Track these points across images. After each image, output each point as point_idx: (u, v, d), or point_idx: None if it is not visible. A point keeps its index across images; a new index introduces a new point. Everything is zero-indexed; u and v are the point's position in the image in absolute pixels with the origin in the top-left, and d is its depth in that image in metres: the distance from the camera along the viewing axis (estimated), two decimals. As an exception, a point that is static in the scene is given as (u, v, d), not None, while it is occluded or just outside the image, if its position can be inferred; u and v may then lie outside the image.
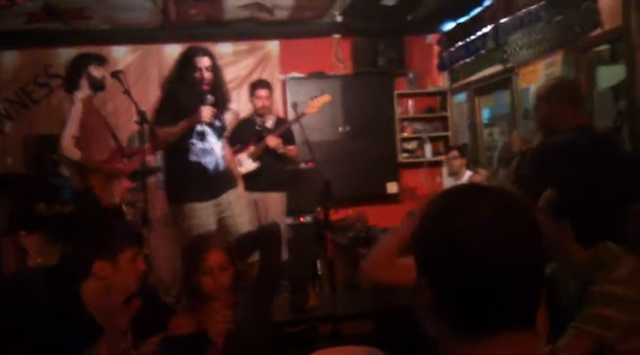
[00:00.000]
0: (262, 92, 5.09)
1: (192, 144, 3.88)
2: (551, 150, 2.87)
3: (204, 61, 3.85)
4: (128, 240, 2.13)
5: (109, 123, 4.51)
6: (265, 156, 4.90)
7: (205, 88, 3.85)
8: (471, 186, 1.09)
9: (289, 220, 5.35)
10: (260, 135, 4.97)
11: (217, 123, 4.00)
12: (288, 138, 5.04)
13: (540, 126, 3.17)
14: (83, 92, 4.19)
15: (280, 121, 5.19)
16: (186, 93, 3.81)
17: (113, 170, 4.18)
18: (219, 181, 3.95)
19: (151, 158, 4.97)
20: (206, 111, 3.78)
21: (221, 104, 3.98)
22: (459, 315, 0.93)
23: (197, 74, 3.83)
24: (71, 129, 4.03)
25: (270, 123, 5.14)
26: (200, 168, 3.88)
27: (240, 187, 4.44)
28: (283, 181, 5.06)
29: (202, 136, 3.91)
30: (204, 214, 3.79)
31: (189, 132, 3.86)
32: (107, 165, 4.16)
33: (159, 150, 3.99)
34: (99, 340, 2.03)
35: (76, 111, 4.10)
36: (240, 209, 4.00)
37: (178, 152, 3.88)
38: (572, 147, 2.79)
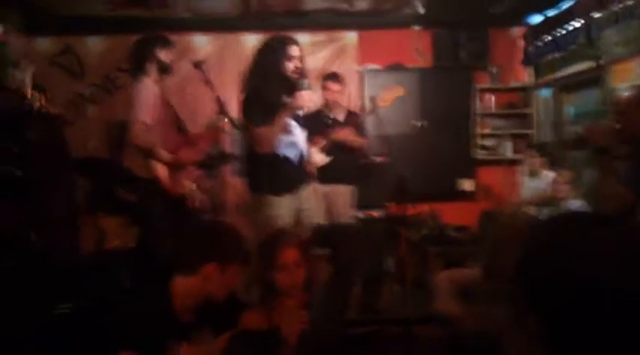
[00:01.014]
0: (334, 86, 4.97)
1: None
2: None
3: (296, 50, 3.64)
4: (242, 254, 2.16)
5: (178, 110, 4.30)
6: (336, 148, 4.82)
7: (297, 76, 3.60)
8: (586, 215, 1.01)
9: (360, 214, 5.28)
10: (330, 129, 4.89)
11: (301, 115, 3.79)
12: (359, 130, 4.92)
13: (625, 134, 2.95)
14: (151, 77, 3.98)
15: (351, 115, 5.08)
16: (280, 85, 3.59)
17: (178, 161, 3.99)
18: (301, 174, 3.77)
19: (226, 145, 5.00)
20: (307, 96, 3.54)
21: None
22: (569, 351, 0.89)
23: (290, 63, 3.60)
24: (142, 116, 3.83)
25: (341, 116, 5.05)
26: (286, 161, 3.66)
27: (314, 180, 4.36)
28: (353, 174, 4.97)
29: (288, 129, 3.71)
30: (282, 206, 3.61)
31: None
32: (173, 156, 3.97)
33: (259, 146, 3.60)
34: (175, 334, 2.04)
35: (144, 97, 3.87)
36: (315, 202, 3.90)
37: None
38: None
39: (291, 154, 3.69)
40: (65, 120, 5.67)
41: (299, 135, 3.75)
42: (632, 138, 2.88)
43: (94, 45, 5.99)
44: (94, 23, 5.79)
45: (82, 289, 3.39)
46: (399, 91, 4.77)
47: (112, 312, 2.34)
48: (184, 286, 2.08)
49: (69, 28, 5.83)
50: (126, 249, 4.25)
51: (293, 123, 3.71)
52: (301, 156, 3.75)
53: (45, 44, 5.95)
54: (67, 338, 2.77)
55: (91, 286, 3.44)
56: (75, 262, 3.95)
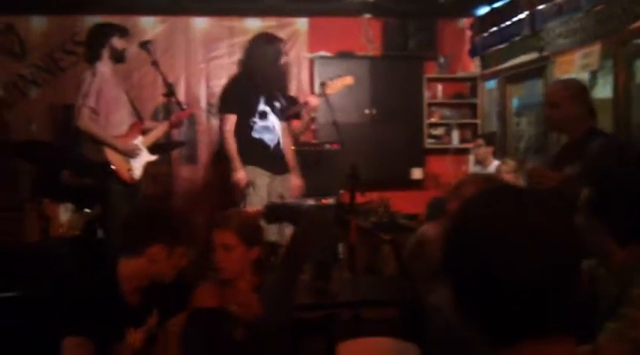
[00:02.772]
0: None
1: (254, 122, 4.12)
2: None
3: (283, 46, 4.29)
4: (190, 236, 2.16)
5: (131, 96, 4.41)
6: None
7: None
8: (508, 190, 1.05)
9: (311, 201, 5.30)
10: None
11: (277, 105, 4.27)
12: (297, 115, 4.88)
13: (558, 126, 3.11)
14: (104, 63, 4.09)
15: (291, 100, 5.03)
16: (274, 76, 4.21)
17: (124, 148, 4.06)
18: (280, 160, 4.27)
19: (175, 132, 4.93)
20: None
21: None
22: (484, 323, 0.94)
23: (282, 59, 4.23)
24: (89, 101, 3.95)
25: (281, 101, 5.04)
26: (262, 144, 4.15)
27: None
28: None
29: (264, 115, 4.17)
30: (261, 180, 4.07)
31: (252, 111, 4.12)
32: (121, 142, 4.06)
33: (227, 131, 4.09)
34: (123, 317, 2.02)
35: (95, 83, 3.99)
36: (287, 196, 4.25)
37: (241, 129, 4.09)
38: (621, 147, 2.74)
39: (268, 138, 4.18)
40: (5, 102, 5.49)
41: (274, 122, 4.24)
42: (560, 130, 3.05)
43: (38, 25, 5.74)
44: (39, 2, 5.57)
45: (26, 276, 3.30)
46: (348, 80, 4.78)
47: (57, 298, 2.28)
48: (130, 267, 2.06)
49: (12, 6, 5.58)
50: (72, 237, 4.17)
51: (268, 110, 4.21)
52: (278, 142, 4.26)
53: (-16, 24, 5.70)
54: (11, 325, 2.70)
55: (36, 273, 3.36)
56: (19, 249, 3.84)
